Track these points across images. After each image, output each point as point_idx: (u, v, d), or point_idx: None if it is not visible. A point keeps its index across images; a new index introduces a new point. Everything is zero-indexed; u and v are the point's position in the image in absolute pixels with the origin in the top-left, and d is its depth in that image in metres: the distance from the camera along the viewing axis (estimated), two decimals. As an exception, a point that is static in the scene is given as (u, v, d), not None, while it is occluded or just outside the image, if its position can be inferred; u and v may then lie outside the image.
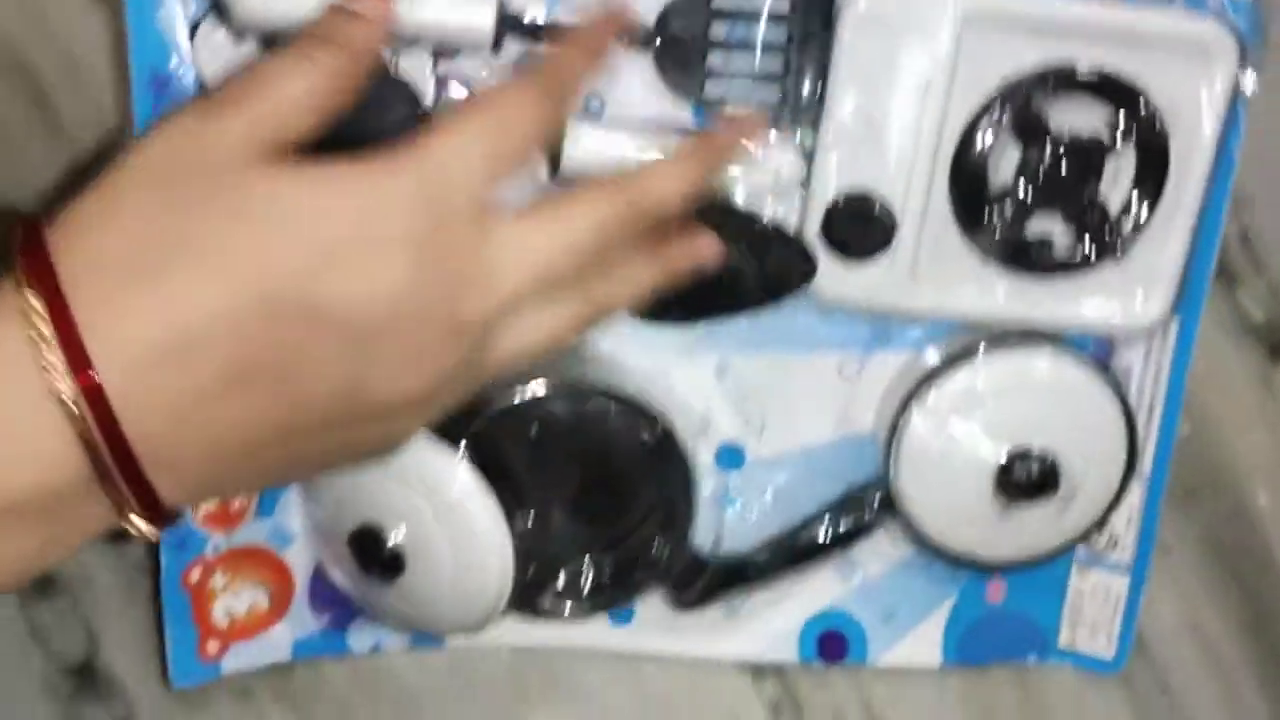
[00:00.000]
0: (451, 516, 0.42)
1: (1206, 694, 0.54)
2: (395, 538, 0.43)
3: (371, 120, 0.38)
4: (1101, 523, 0.48)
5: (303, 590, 0.50)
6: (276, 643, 0.50)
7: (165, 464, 0.33)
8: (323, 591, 0.50)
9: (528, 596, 0.45)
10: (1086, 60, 0.44)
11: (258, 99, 0.35)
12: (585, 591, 0.45)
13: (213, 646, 0.50)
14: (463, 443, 0.42)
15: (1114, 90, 0.44)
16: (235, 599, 0.50)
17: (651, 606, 0.49)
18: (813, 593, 0.50)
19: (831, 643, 0.51)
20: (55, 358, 0.32)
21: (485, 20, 0.41)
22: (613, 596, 0.46)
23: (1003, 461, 0.46)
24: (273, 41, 0.40)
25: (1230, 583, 0.53)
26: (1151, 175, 0.45)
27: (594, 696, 0.53)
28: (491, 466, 0.42)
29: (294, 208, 0.34)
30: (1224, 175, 0.46)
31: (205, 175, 0.34)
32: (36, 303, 0.32)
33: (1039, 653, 0.51)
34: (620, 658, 0.52)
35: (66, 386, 0.32)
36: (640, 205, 0.39)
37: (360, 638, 0.51)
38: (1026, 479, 0.45)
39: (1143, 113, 0.44)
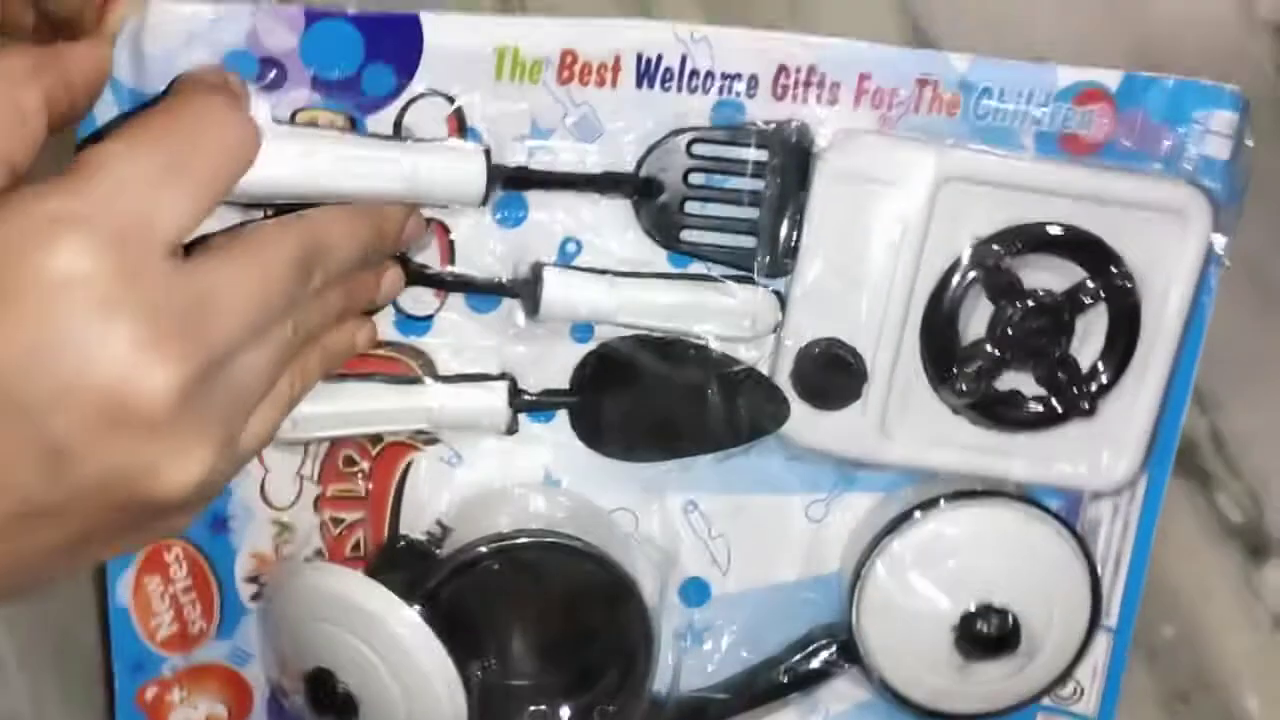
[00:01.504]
0: (404, 670, 0.42)
1: None
2: (348, 684, 0.43)
3: None
4: (1064, 679, 0.47)
5: (261, 706, 0.50)
6: (235, 750, 0.50)
7: None
8: (282, 709, 0.49)
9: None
10: (1058, 220, 0.44)
11: None
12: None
13: (170, 750, 0.49)
14: (416, 598, 0.42)
15: (1086, 250, 0.44)
16: (193, 710, 0.49)
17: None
18: (774, 728, 0.50)
19: (791, 778, 0.50)
20: None
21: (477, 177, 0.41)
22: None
23: (962, 617, 0.45)
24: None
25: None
26: (1123, 334, 0.45)
27: None
28: (449, 619, 0.42)
29: None
30: (1195, 334, 0.46)
31: None
32: None
33: (997, 798, 0.51)
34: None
35: None
36: (325, 247, 0.36)
37: (320, 752, 0.50)
38: (986, 635, 0.45)
39: (1115, 273, 0.44)
